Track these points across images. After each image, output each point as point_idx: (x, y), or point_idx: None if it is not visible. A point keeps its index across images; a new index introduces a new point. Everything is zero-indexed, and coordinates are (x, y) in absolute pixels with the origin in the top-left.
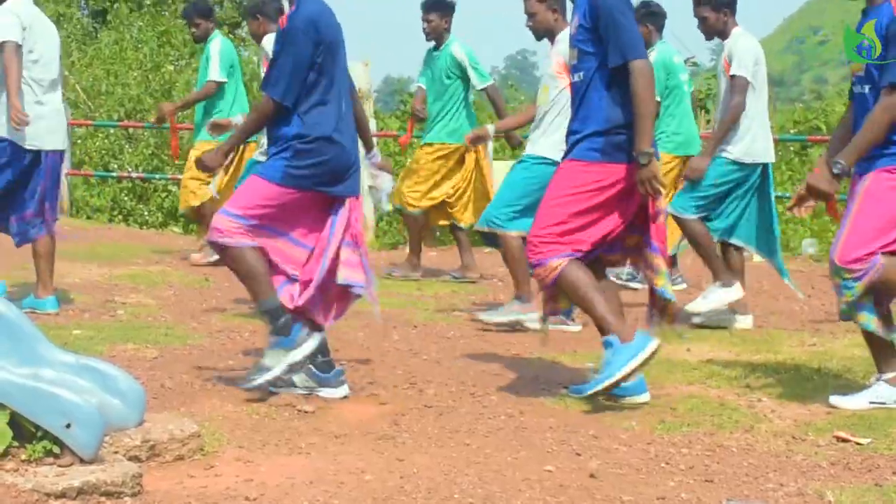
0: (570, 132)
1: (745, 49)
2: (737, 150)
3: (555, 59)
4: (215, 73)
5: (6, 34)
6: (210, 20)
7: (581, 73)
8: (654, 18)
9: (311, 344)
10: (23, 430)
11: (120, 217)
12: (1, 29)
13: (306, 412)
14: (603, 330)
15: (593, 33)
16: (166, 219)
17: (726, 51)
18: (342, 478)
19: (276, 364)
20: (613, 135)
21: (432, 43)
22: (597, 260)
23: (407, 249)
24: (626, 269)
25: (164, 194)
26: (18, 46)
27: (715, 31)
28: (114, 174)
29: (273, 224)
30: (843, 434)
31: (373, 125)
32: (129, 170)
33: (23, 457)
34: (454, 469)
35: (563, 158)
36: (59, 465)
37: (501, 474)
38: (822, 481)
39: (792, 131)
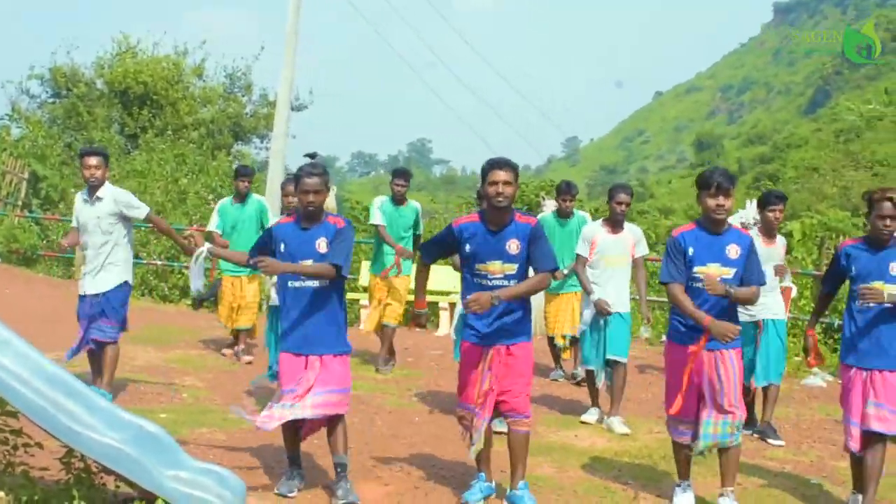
0: None
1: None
2: None
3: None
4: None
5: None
6: None
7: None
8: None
9: None
10: None
11: (147, 291)
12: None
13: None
14: None
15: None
16: (180, 295)
17: (783, 246)
18: None
19: None
20: None
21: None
22: None
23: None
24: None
25: (178, 276)
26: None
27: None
28: (143, 260)
29: None
30: None
31: None
32: (154, 257)
33: None
34: None
35: None
36: None
37: None
38: None
39: None
